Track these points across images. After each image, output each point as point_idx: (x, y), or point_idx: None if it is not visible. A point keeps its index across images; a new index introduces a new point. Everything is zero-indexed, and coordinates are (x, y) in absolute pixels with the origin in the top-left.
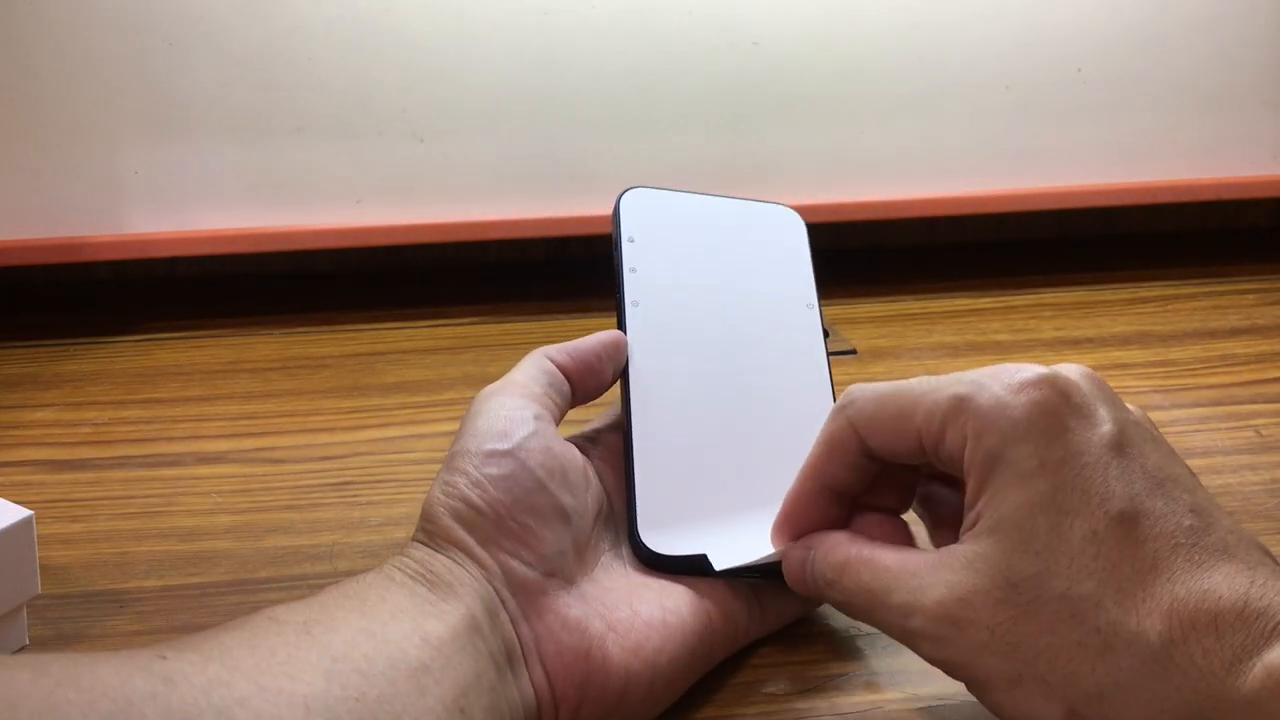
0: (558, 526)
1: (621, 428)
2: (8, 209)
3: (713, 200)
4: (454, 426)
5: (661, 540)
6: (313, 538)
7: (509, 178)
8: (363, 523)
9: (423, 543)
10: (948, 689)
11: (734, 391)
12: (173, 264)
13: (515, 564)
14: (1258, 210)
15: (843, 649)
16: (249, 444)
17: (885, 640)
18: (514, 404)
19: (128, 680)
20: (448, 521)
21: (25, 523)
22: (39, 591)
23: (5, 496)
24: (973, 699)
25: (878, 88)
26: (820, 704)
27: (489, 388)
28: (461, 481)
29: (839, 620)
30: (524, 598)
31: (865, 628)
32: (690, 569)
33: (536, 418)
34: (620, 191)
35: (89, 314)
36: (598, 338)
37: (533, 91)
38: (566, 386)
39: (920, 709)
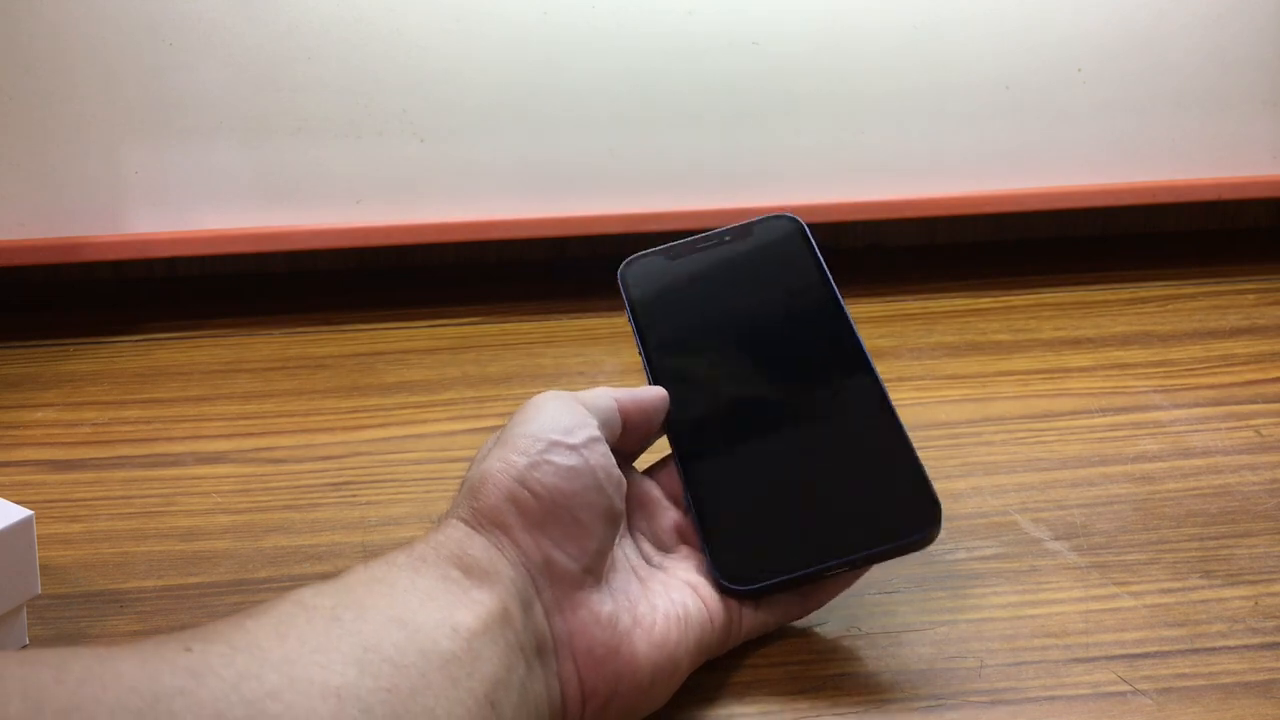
0: (604, 528)
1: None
2: (8, 209)
3: (708, 240)
4: (454, 426)
5: (741, 577)
6: (312, 538)
7: (509, 178)
8: (362, 523)
9: (464, 520)
10: (947, 689)
11: (778, 417)
12: (173, 264)
13: (559, 555)
14: (1258, 210)
15: (843, 649)
16: (249, 444)
17: (885, 640)
18: (580, 410)
19: (154, 676)
20: (498, 501)
21: (25, 523)
22: (39, 591)
23: (5, 496)
24: (973, 699)
25: (878, 88)
26: (820, 704)
27: (551, 391)
28: (521, 461)
29: (839, 620)
30: (560, 591)
31: (865, 627)
32: (775, 590)
33: (600, 427)
34: (621, 264)
35: (89, 314)
36: (652, 392)
37: (533, 91)
38: (620, 429)
39: (920, 709)
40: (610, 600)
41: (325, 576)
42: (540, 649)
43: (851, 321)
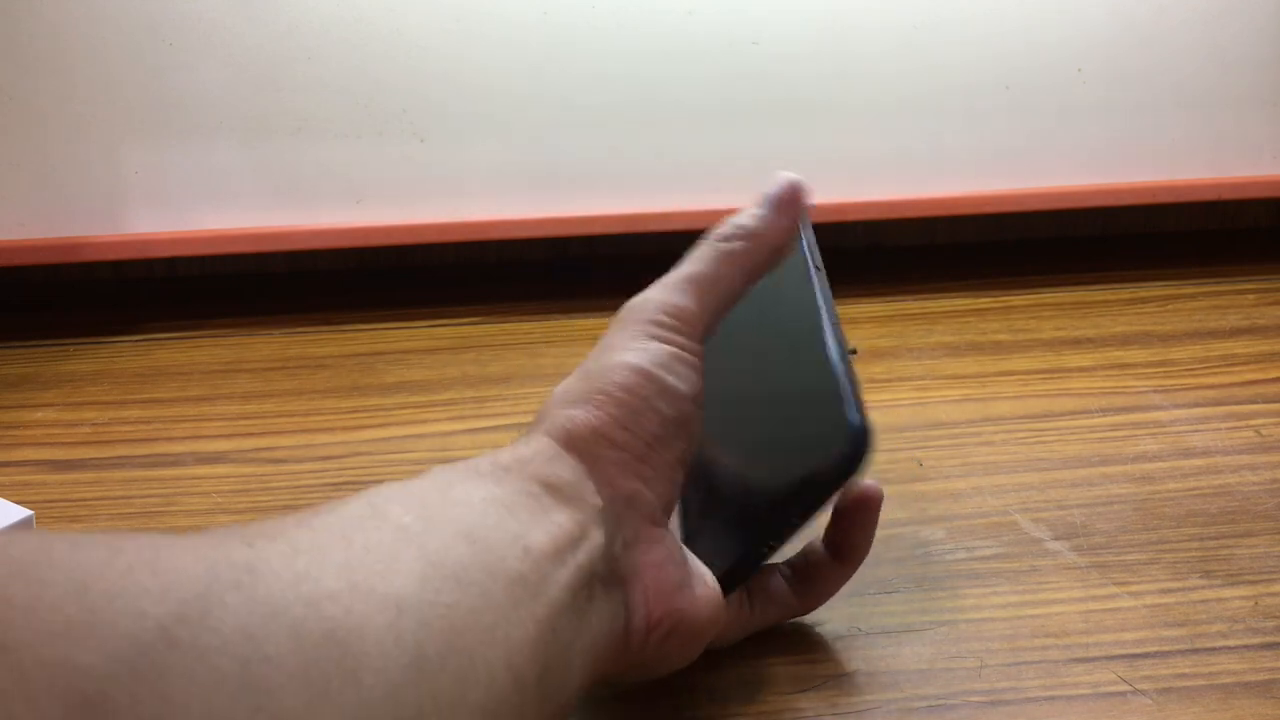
0: (684, 471)
1: None
2: (8, 209)
3: None
4: (454, 426)
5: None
6: None
7: (509, 178)
8: None
9: (555, 439)
10: (948, 689)
11: (731, 425)
12: (173, 264)
13: (646, 491)
14: (1258, 210)
15: (843, 649)
16: (249, 444)
17: (885, 640)
18: (698, 348)
19: (211, 567)
20: (592, 436)
21: (25, 523)
22: None
23: (5, 496)
24: (973, 699)
25: (878, 87)
26: (820, 704)
27: (681, 301)
28: (630, 402)
29: (839, 620)
30: (641, 525)
31: (865, 627)
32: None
33: (703, 371)
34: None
35: (89, 314)
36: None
37: (533, 91)
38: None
39: (920, 709)
40: (677, 541)
41: None
42: (613, 576)
43: (821, 305)
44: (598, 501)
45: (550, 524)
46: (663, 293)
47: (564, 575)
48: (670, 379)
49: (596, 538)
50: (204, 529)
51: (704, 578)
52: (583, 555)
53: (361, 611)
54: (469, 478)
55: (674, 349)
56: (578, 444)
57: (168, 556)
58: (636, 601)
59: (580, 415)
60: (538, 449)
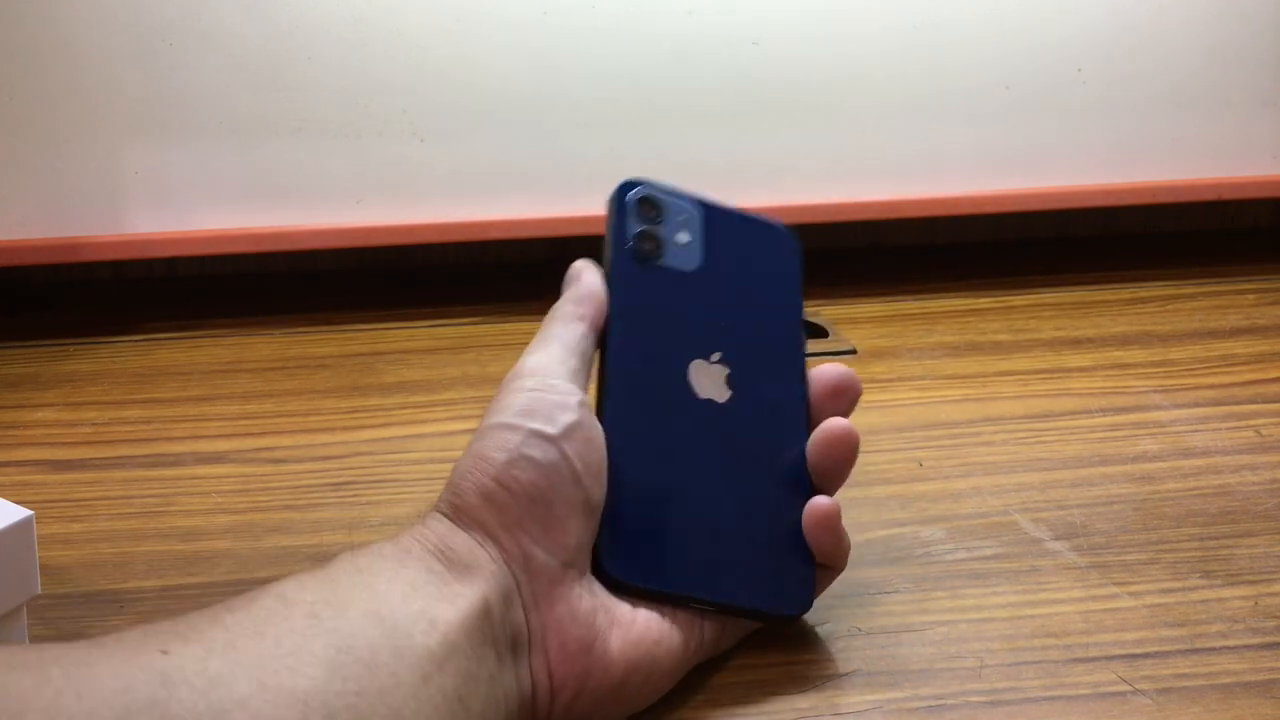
0: (583, 520)
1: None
2: (8, 208)
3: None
4: (454, 426)
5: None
6: (312, 538)
7: (509, 178)
8: (363, 523)
9: (446, 515)
10: (948, 689)
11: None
12: (173, 264)
13: (538, 551)
14: (1258, 210)
15: (843, 649)
16: (249, 444)
17: (885, 640)
18: (562, 386)
19: (129, 685)
20: (476, 500)
21: (25, 523)
22: (39, 591)
23: (5, 496)
24: (973, 699)
25: (878, 88)
26: (820, 704)
27: (530, 361)
28: (500, 458)
29: (839, 620)
30: (540, 586)
31: (865, 627)
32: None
33: (581, 404)
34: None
35: (89, 314)
36: (591, 288)
37: (533, 91)
38: (594, 348)
39: (920, 709)
40: (590, 595)
41: None
42: (515, 642)
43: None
44: (493, 568)
45: (454, 596)
46: (523, 357)
47: (471, 645)
48: (535, 424)
49: (497, 604)
50: (207, 526)
51: (629, 626)
52: (487, 624)
53: (270, 714)
54: (374, 562)
55: (539, 393)
56: (465, 514)
57: (89, 677)
58: (539, 665)
59: (463, 484)
60: (433, 527)
